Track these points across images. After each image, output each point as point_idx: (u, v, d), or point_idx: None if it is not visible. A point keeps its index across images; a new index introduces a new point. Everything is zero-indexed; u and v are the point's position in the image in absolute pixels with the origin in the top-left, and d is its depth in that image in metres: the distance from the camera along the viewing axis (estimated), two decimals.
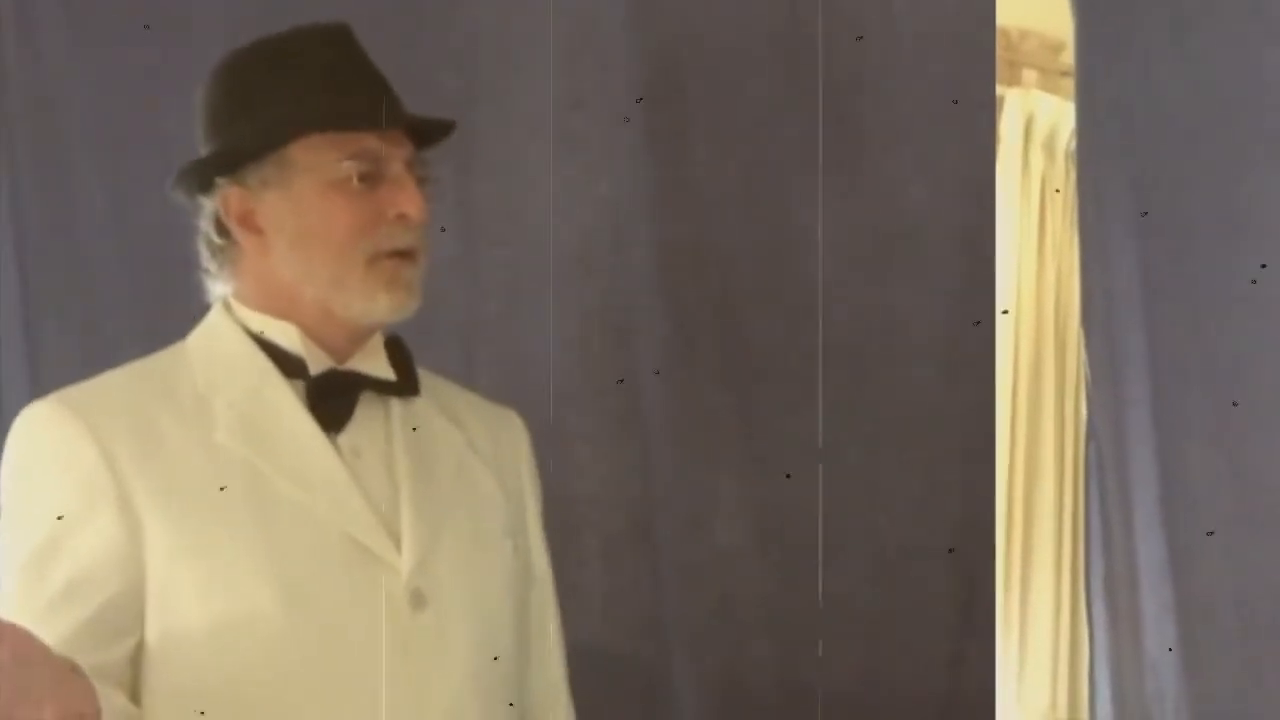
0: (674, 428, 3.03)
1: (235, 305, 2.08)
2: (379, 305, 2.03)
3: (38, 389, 2.20)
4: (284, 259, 2.04)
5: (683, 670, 3.02)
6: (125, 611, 1.92)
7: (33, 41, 2.99)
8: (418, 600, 2.01)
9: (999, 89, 3.74)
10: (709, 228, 3.02)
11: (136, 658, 1.94)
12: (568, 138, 3.02)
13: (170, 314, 2.17)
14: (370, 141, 2.02)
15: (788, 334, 2.98)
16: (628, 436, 3.05)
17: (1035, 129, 4.01)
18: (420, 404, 2.13)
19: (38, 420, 1.97)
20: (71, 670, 1.70)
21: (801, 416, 2.97)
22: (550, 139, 2.99)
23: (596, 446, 3.05)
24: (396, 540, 2.02)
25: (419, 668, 2.01)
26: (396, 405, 2.11)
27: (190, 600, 1.93)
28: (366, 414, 2.07)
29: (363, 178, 2.02)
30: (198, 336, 2.09)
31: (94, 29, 2.92)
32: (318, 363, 2.05)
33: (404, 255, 2.04)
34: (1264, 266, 2.78)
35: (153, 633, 1.94)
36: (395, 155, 2.04)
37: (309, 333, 2.05)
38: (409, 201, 2.02)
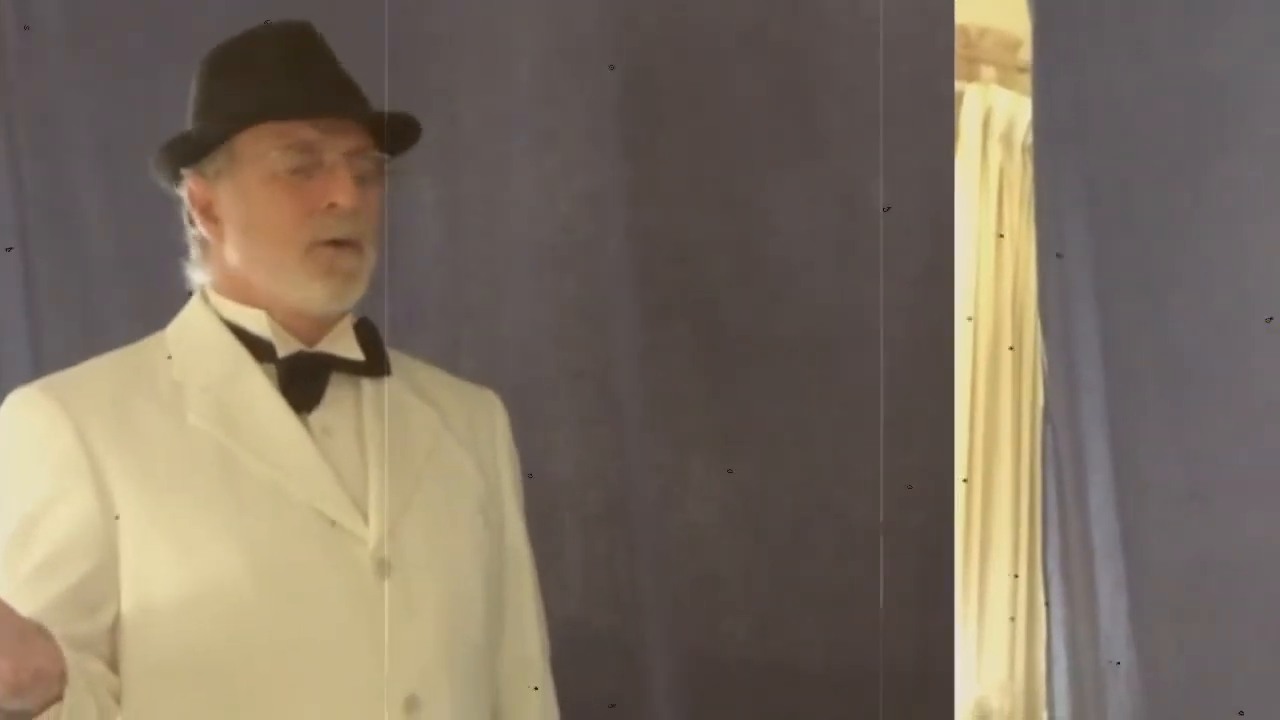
0: (649, 412, 3.05)
1: (210, 294, 2.10)
2: (315, 293, 2.04)
3: (40, 375, 2.20)
4: (235, 247, 2.06)
5: (657, 645, 3.04)
6: (102, 585, 1.95)
7: (33, 37, 2.95)
8: (384, 569, 2.02)
9: (958, 84, 3.72)
10: (682, 220, 3.03)
11: (115, 629, 1.96)
12: (546, 134, 3.02)
13: (168, 303, 2.18)
14: (307, 133, 2.03)
15: (757, 322, 3.02)
16: (604, 420, 3.05)
17: (993, 123, 4.01)
18: (393, 384, 2.14)
19: (19, 405, 2.01)
20: (36, 630, 1.76)
21: (771, 401, 3.01)
22: (530, 135, 3.00)
23: (574, 430, 3.05)
24: (364, 513, 2.03)
25: (389, 634, 2.02)
26: (368, 385, 2.12)
27: (163, 575, 1.95)
28: (337, 394, 2.08)
29: (298, 168, 2.03)
30: (176, 325, 2.12)
31: (93, 23, 2.90)
32: (286, 346, 2.06)
33: (341, 244, 2.04)
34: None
35: (128, 606, 1.96)
36: (334, 146, 2.04)
37: (277, 318, 2.07)
38: (340, 191, 2.01)
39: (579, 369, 3.05)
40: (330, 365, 2.09)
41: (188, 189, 2.07)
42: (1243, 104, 2.84)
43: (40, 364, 2.77)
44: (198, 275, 2.12)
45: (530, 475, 2.64)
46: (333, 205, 2.01)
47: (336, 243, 2.03)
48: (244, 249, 2.06)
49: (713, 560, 3.05)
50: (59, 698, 1.80)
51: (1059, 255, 3.00)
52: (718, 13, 3.01)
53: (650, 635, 3.05)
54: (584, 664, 2.93)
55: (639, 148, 3.03)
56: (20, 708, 1.77)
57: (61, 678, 1.79)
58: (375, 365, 2.12)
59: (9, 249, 2.91)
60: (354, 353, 2.10)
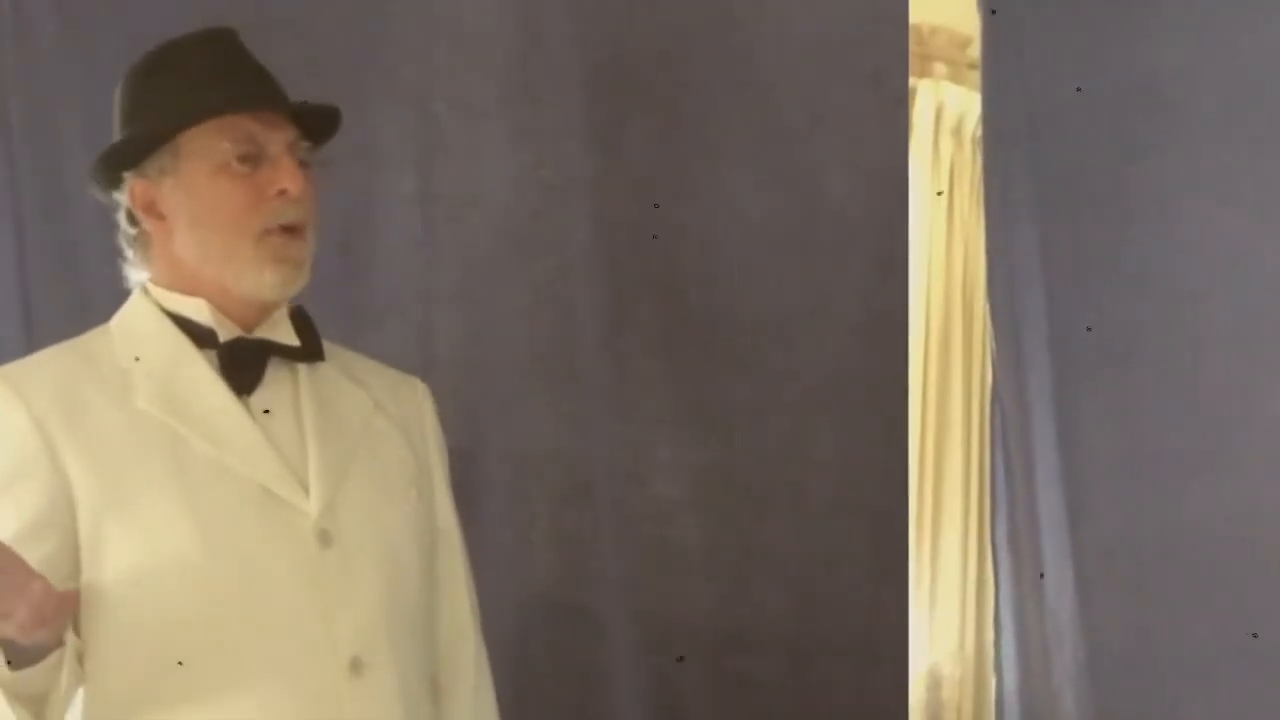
0: (615, 393, 3.07)
1: (151, 288, 2.12)
2: (266, 279, 2.06)
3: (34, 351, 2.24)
4: (183, 241, 2.08)
5: (622, 613, 3.07)
6: (65, 561, 1.97)
7: (28, 36, 2.99)
8: (325, 539, 2.05)
9: (911, 80, 3.71)
10: (647, 209, 3.04)
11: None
12: (517, 127, 3.06)
13: None
14: (249, 126, 2.06)
15: (719, 306, 3.05)
16: (573, 401, 3.08)
17: (945, 117, 4.01)
18: (326, 368, 2.17)
19: None
20: (39, 574, 1.81)
21: (732, 382, 3.04)
22: (501, 128, 3.05)
23: (544, 410, 3.08)
24: (305, 487, 2.06)
25: (329, 599, 2.05)
26: (303, 370, 2.14)
27: (119, 550, 1.98)
28: (275, 377, 2.11)
29: (244, 159, 2.05)
30: (119, 318, 2.14)
31: (85, 23, 2.94)
32: (226, 332, 2.09)
33: (291, 231, 2.07)
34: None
35: (88, 578, 1.98)
36: (275, 139, 2.07)
37: (217, 307, 2.09)
38: (288, 178, 2.05)
39: (548, 351, 3.08)
40: (268, 350, 2.12)
41: (129, 190, 2.10)
42: (1180, 98, 2.89)
43: (33, 341, 2.79)
44: (136, 274, 2.15)
45: (501, 452, 2.70)
46: (282, 192, 2.05)
47: (286, 230, 2.07)
48: (194, 241, 2.08)
49: (677, 534, 3.07)
50: (62, 642, 1.88)
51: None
52: (682, 12, 3.03)
53: (617, 604, 3.07)
54: (553, 634, 3.05)
55: (606, 140, 3.06)
56: (43, 640, 1.84)
57: (61, 629, 1.86)
58: (310, 350, 2.15)
59: None
60: (290, 339, 2.13)
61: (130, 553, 1.98)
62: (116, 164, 2.10)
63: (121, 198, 2.10)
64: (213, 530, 1.99)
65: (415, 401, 2.29)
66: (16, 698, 1.87)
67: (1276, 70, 2.82)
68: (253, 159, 2.06)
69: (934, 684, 4.05)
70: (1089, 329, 2.97)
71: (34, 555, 1.92)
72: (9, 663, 1.85)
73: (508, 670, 2.41)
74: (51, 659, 1.89)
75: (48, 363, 2.10)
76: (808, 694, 3.05)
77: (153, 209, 2.09)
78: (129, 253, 2.13)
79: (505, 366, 3.05)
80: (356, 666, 2.05)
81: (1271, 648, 2.81)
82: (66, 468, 1.99)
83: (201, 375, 2.07)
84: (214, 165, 2.05)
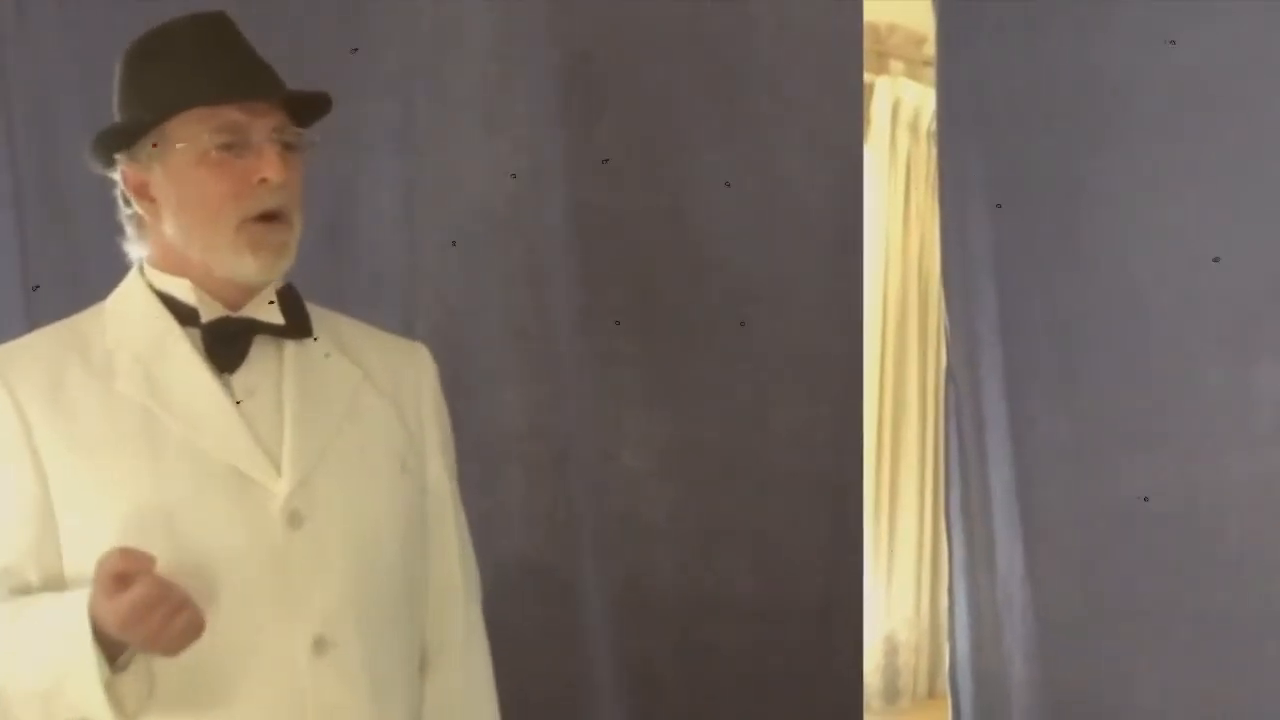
0: (587, 369, 3.09)
1: (146, 267, 2.12)
2: (248, 265, 2.04)
3: (33, 328, 2.23)
4: (171, 224, 2.06)
5: (593, 577, 3.10)
6: (49, 545, 1.99)
7: (30, 29, 3.00)
8: (295, 520, 2.03)
9: (869, 77, 3.81)
10: (617, 195, 3.07)
11: (59, 580, 2.00)
12: (494, 116, 3.08)
13: None
14: (234, 115, 2.03)
15: (686, 288, 3.08)
16: (547, 377, 3.10)
17: (901, 112, 4.07)
18: (316, 345, 2.14)
19: None
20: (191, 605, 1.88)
21: (699, 359, 3.09)
22: (479, 118, 3.07)
23: (520, 386, 3.09)
24: (278, 467, 2.04)
25: (296, 578, 2.03)
26: (290, 347, 2.12)
27: (92, 533, 1.96)
28: (260, 355, 2.09)
29: (227, 147, 2.03)
30: (114, 297, 2.14)
31: (87, 17, 2.94)
32: (210, 311, 2.07)
33: (272, 218, 2.05)
34: None
35: (66, 556, 1.99)
36: (260, 126, 2.05)
37: (203, 287, 2.07)
38: (269, 166, 2.02)
39: (524, 330, 3.10)
40: (253, 329, 2.09)
41: (122, 172, 2.09)
42: (1127, 93, 2.95)
43: (32, 317, 2.83)
44: (134, 251, 2.14)
45: (479, 426, 2.72)
46: (263, 180, 2.02)
47: (266, 217, 2.05)
48: (179, 226, 2.06)
49: (645, 504, 3.11)
50: None
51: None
52: (653, 7, 3.05)
53: (589, 570, 3.10)
54: (529, 601, 3.05)
55: (578, 129, 3.08)
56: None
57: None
58: (296, 328, 2.12)
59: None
60: (275, 317, 2.11)
61: (102, 535, 1.96)
62: (109, 147, 2.10)
63: (117, 178, 2.11)
64: (180, 511, 1.98)
65: (414, 369, 2.25)
66: (114, 699, 1.91)
67: (1218, 68, 2.87)
68: (236, 147, 2.04)
69: (890, 649, 4.11)
70: (1038, 312, 3.04)
71: (19, 538, 1.99)
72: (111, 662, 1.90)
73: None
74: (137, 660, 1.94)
75: (36, 345, 2.11)
76: (768, 658, 3.08)
77: (144, 192, 2.08)
78: (127, 229, 2.12)
79: (483, 344, 3.06)
80: (320, 645, 2.04)
81: (1208, 612, 2.87)
82: (41, 451, 2.00)
83: (183, 356, 2.06)
84: (197, 153, 2.04)
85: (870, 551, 3.85)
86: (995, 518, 3.10)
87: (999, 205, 3.08)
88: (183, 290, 2.08)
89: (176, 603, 1.85)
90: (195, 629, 1.87)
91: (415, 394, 2.24)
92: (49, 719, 1.94)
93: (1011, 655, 3.09)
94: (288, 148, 2.07)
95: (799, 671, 3.09)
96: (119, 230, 2.12)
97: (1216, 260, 2.82)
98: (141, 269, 2.13)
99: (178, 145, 2.04)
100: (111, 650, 1.89)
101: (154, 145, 2.06)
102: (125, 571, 1.83)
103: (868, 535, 3.78)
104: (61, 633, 1.89)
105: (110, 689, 1.90)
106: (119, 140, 2.09)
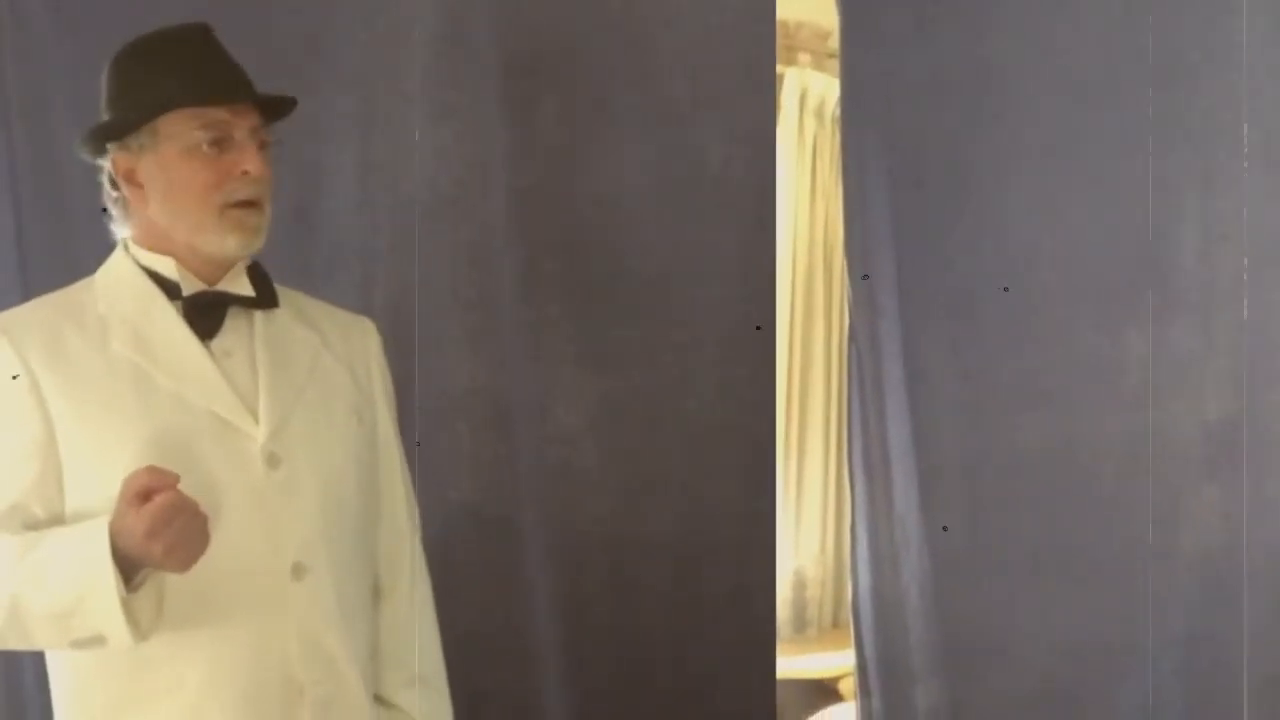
0: (527, 335, 3.16)
1: (131, 245, 2.23)
2: (229, 244, 2.17)
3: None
4: (158, 208, 2.18)
5: (532, 523, 3.17)
6: (51, 482, 2.10)
7: (26, 29, 3.04)
8: (273, 461, 2.17)
9: (779, 68, 3.84)
10: (554, 179, 3.14)
11: (62, 516, 2.11)
12: (442, 108, 3.14)
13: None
14: (220, 114, 2.16)
15: (615, 261, 3.17)
16: (491, 342, 3.16)
17: (808, 100, 4.15)
18: (281, 314, 2.27)
19: None
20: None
21: (627, 327, 3.17)
22: (428, 109, 3.13)
23: (466, 350, 3.15)
24: (255, 415, 2.17)
25: (275, 512, 2.16)
26: (259, 316, 2.24)
27: (90, 472, 2.09)
28: (234, 323, 2.22)
29: (213, 143, 2.15)
30: (102, 271, 2.25)
31: (80, 16, 2.98)
32: (191, 285, 2.19)
33: (249, 204, 2.17)
34: None
35: (68, 496, 2.11)
36: (241, 125, 2.17)
37: (184, 264, 2.19)
38: (250, 161, 2.16)
39: (470, 300, 3.16)
40: (227, 300, 2.21)
41: (112, 160, 2.20)
42: (1010, 83, 3.06)
43: (29, 290, 2.85)
44: (119, 230, 2.24)
45: (429, 388, 2.77)
46: (245, 172, 2.15)
47: (245, 204, 2.16)
48: (167, 209, 2.18)
49: (579, 456, 3.18)
50: None
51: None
52: (587, 7, 3.12)
53: (527, 515, 3.16)
54: (474, 542, 3.15)
55: (518, 119, 3.14)
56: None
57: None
58: (265, 299, 2.25)
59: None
60: (246, 290, 2.24)
61: (99, 474, 2.07)
62: (103, 138, 2.20)
63: (106, 165, 2.22)
64: (170, 454, 2.07)
65: (363, 339, 2.39)
66: (130, 617, 2.00)
67: (1089, 57, 3.00)
68: (221, 142, 2.16)
69: (799, 584, 4.20)
70: (933, 281, 3.11)
71: (25, 475, 2.11)
72: (127, 582, 1.99)
73: (434, 573, 2.44)
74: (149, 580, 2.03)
75: (35, 310, 2.22)
76: (690, 593, 3.17)
77: (132, 178, 2.19)
78: (113, 211, 2.24)
79: (433, 313, 3.11)
80: (298, 570, 2.17)
81: (1080, 548, 3.01)
82: (48, 401, 2.11)
83: (168, 321, 2.18)
84: (187, 147, 2.16)
85: (781, 496, 3.88)
86: (893, 466, 3.17)
87: (896, 182, 3.13)
88: (166, 267, 2.21)
89: (194, 512, 1.95)
90: (205, 540, 1.98)
91: (365, 359, 2.38)
92: (67, 635, 2.03)
93: (908, 588, 3.16)
94: (262, 145, 2.21)
95: (718, 605, 3.18)
96: (105, 212, 2.24)
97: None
98: (126, 246, 2.24)
99: (168, 138, 2.17)
100: (127, 572, 1.99)
101: (145, 137, 2.18)
102: (150, 486, 1.93)
103: (779, 482, 3.83)
104: (81, 556, 1.99)
105: (127, 606, 1.99)
106: (115, 131, 2.20)
